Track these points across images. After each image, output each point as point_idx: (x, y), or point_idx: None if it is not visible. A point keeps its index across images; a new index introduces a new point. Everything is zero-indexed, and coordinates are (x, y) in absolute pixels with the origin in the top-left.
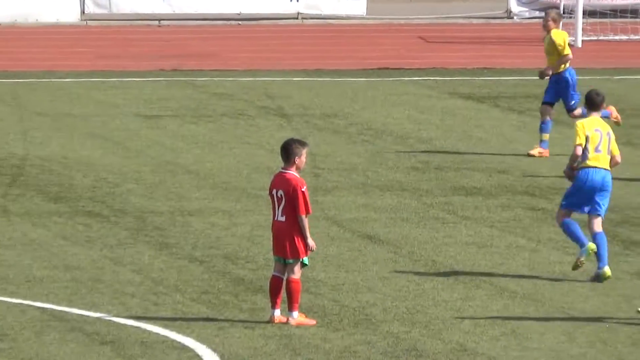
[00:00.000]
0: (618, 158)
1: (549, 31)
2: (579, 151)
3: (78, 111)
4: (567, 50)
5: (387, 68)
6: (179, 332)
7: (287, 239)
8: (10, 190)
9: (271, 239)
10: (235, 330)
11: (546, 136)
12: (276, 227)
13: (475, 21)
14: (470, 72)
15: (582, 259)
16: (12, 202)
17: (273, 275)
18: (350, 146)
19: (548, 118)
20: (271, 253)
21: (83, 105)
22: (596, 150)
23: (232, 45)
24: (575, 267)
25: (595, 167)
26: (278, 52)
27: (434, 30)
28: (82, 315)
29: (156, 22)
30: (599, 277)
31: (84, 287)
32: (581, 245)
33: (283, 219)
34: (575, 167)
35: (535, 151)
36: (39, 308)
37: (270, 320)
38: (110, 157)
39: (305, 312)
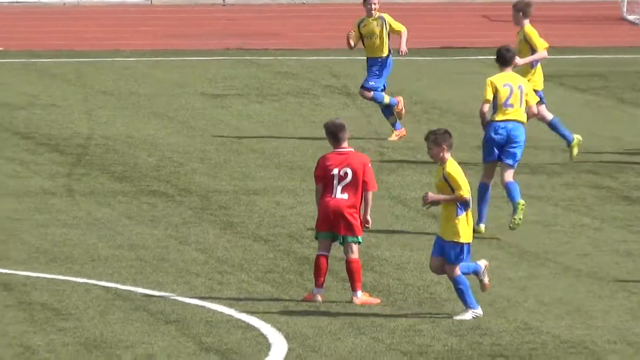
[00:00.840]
0: (534, 108)
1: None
2: (485, 108)
3: (143, 90)
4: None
5: (452, 47)
6: (243, 311)
7: (346, 216)
8: (75, 169)
9: (321, 216)
10: (300, 309)
11: None
12: (333, 204)
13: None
14: None
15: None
16: (77, 182)
17: (320, 255)
18: (414, 125)
19: None
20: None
21: (148, 85)
22: (504, 105)
23: (296, 24)
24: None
25: (503, 120)
26: (343, 31)
27: (497, 8)
28: (146, 295)
29: (220, 1)
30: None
31: (149, 266)
32: (479, 219)
33: (345, 196)
34: (488, 121)
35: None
36: (103, 287)
37: (317, 300)
38: (175, 136)
39: (370, 290)
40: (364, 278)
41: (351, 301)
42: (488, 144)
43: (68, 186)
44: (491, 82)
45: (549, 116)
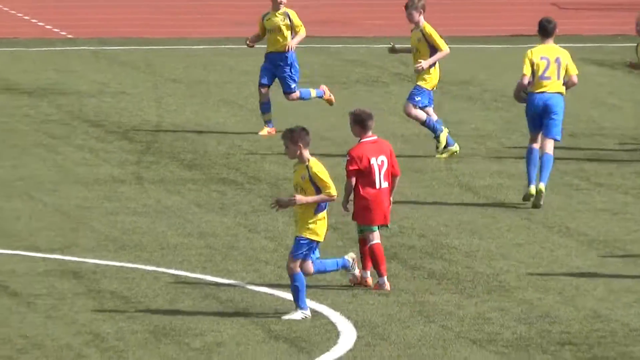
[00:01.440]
0: (574, 78)
1: None
2: (524, 81)
3: (212, 78)
4: None
5: (521, 35)
6: (312, 299)
7: (387, 204)
8: (144, 157)
9: (373, 209)
10: (369, 297)
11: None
12: (380, 195)
13: None
14: (603, 38)
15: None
16: (146, 170)
17: (378, 243)
18: (484, 113)
19: None
20: (405, 221)
21: (217, 72)
22: (541, 77)
23: (366, 11)
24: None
25: (540, 92)
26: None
27: None
28: (215, 283)
29: None
30: (526, 196)
31: (218, 254)
32: (528, 182)
33: (386, 184)
34: (522, 96)
35: None
36: (172, 275)
37: (385, 289)
38: (245, 124)
39: (439, 279)
40: (434, 266)
41: (383, 288)
42: (528, 116)
43: (137, 174)
44: (528, 56)
45: (423, 117)
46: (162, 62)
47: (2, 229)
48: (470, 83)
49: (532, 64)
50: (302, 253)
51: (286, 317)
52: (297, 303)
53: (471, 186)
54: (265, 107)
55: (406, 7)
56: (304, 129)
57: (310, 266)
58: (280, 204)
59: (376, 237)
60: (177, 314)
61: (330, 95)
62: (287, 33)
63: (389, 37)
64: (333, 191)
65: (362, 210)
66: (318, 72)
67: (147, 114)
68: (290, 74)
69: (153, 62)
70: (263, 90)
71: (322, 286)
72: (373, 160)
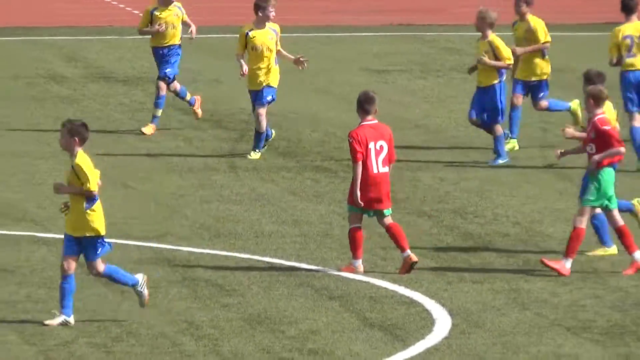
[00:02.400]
0: None
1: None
2: (612, 61)
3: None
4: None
5: (613, 22)
6: (407, 286)
7: (387, 189)
8: (238, 145)
9: (374, 192)
10: (464, 285)
11: None
12: (379, 178)
13: None
14: None
15: None
16: (241, 158)
17: (357, 227)
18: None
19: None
20: (500, 208)
21: (311, 61)
22: (627, 56)
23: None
24: None
25: (629, 70)
26: (507, 7)
27: None
28: (310, 270)
29: None
30: None
31: (313, 242)
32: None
33: (386, 169)
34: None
35: None
36: (267, 263)
37: (360, 270)
38: (338, 112)
39: (533, 266)
40: (528, 254)
41: (410, 260)
42: (624, 96)
43: (231, 162)
44: (613, 37)
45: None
46: None
47: None
48: (563, 71)
49: (617, 45)
50: (98, 252)
51: (47, 322)
52: (63, 306)
53: (565, 174)
54: (159, 102)
55: None
56: (84, 124)
57: (101, 265)
58: (55, 188)
59: (357, 221)
60: (272, 301)
61: (198, 109)
62: (179, 25)
63: None
64: (93, 187)
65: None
66: (412, 60)
67: (240, 102)
68: (171, 61)
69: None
70: (175, 86)
71: (416, 273)
72: (371, 145)
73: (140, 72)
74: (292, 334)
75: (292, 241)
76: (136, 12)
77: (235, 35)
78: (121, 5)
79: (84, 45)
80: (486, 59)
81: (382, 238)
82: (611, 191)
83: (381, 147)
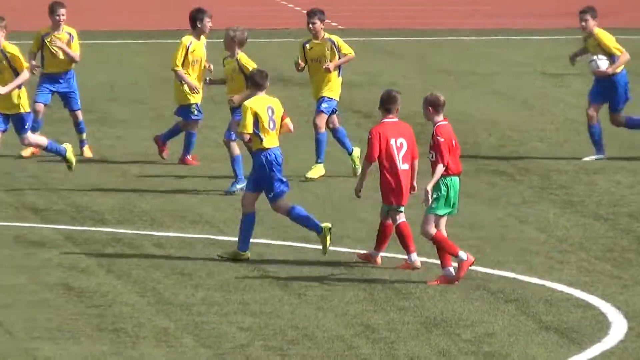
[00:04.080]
0: None
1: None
2: None
3: (481, 69)
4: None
5: None
6: (583, 290)
7: (407, 185)
8: None
9: (397, 189)
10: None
11: None
12: (403, 175)
13: None
14: None
15: None
16: (420, 161)
17: (404, 222)
18: None
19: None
20: None
21: (487, 64)
22: None
23: (634, 2)
24: None
25: None
26: None
27: None
28: (486, 274)
29: None
30: None
31: (489, 246)
32: None
33: (406, 166)
34: None
35: None
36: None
37: (415, 267)
38: (515, 115)
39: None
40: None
41: (415, 266)
42: None
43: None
44: None
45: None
46: (432, 53)
47: (273, 220)
48: None
49: None
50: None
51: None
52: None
53: None
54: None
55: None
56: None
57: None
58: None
59: (402, 217)
60: (448, 304)
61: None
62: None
63: None
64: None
65: (387, 192)
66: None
67: (417, 106)
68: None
69: (423, 53)
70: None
71: (592, 277)
72: (392, 141)
73: None
74: (468, 337)
75: (468, 244)
76: None
77: (414, 38)
78: (297, 8)
79: (260, 47)
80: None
81: (559, 241)
82: None
83: (401, 144)
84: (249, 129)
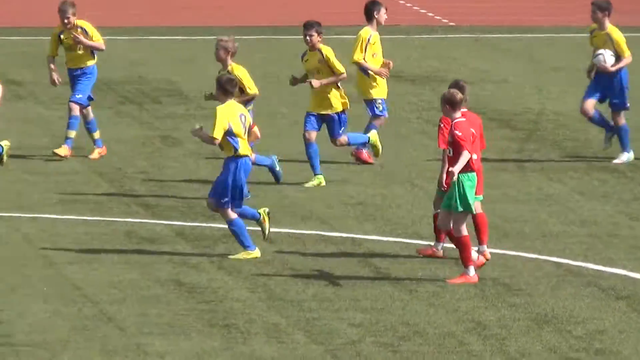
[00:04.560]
0: None
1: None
2: None
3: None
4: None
5: None
6: None
7: (480, 177)
8: (526, 145)
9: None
10: None
11: None
12: (478, 167)
13: None
14: None
15: None
16: (528, 158)
17: (482, 214)
18: None
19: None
20: None
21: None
22: None
23: None
24: None
25: None
26: None
27: None
28: (597, 270)
29: None
30: None
31: (600, 242)
32: None
33: (474, 157)
34: None
35: None
36: (554, 263)
37: (486, 256)
38: (627, 112)
39: None
40: None
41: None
42: None
43: (519, 163)
44: None
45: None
46: (543, 50)
47: (384, 216)
48: None
49: None
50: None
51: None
52: None
53: None
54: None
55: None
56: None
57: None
58: None
59: (479, 207)
60: (559, 301)
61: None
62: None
63: None
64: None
65: None
66: None
67: (528, 102)
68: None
69: (534, 50)
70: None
71: None
72: (472, 131)
73: (428, 71)
74: (579, 334)
75: (579, 241)
76: (423, 11)
77: (525, 35)
78: (408, 5)
79: None
80: None
81: None
82: None
83: (473, 134)
84: (220, 134)
